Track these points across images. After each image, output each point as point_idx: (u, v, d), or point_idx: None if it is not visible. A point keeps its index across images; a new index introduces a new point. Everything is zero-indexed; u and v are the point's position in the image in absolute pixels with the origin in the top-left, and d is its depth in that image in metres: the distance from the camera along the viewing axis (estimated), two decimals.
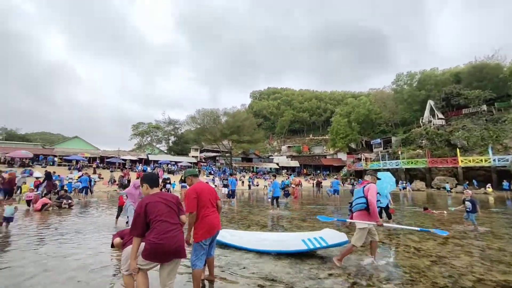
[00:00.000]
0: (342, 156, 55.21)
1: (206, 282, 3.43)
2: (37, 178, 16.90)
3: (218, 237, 5.10)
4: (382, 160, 38.22)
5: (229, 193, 14.51)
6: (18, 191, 14.03)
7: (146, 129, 52.20)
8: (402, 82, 53.33)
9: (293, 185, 22.51)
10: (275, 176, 12.62)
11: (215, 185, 22.73)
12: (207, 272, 3.46)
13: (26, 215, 9.16)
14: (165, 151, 50.94)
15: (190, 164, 39.46)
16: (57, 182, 16.12)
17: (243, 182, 30.49)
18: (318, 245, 4.59)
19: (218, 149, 47.51)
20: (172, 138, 55.40)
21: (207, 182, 4.46)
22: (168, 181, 17.85)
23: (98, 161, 32.94)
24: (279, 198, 11.59)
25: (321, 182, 25.02)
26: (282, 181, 25.55)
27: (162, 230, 2.42)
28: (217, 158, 49.78)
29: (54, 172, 17.67)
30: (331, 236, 4.78)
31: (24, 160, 26.84)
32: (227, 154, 46.68)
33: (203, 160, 47.16)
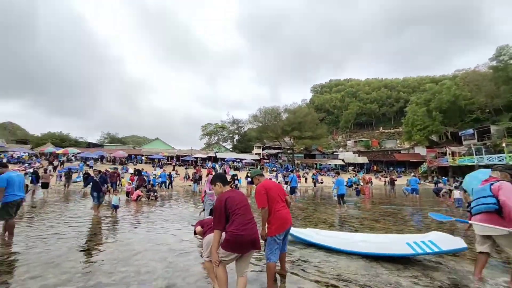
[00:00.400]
0: (421, 150, 48.18)
1: (278, 276, 3.51)
2: (131, 174, 20.40)
3: (304, 236, 5.08)
4: (476, 155, 31.78)
5: (290, 190, 14.45)
6: (120, 184, 17.19)
7: (213, 129, 56.58)
8: (506, 57, 41.55)
9: (361, 183, 20.90)
10: (338, 173, 11.95)
11: (278, 182, 23.00)
12: (277, 266, 3.54)
13: (126, 204, 11.13)
14: (230, 149, 54.23)
15: (253, 161, 40.97)
16: (145, 178, 19.13)
17: (306, 179, 29.93)
18: (428, 250, 3.99)
19: (280, 146, 47.82)
20: (236, 137, 58.45)
21: (270, 179, 4.56)
22: (236, 177, 18.98)
23: (175, 159, 37.46)
24: (344, 195, 10.97)
25: (395, 180, 22.44)
26: (349, 178, 24.01)
27: (241, 222, 2.60)
28: (279, 155, 50.23)
29: (143, 169, 21.01)
30: (443, 240, 4.13)
31: (121, 158, 32.71)
32: (289, 151, 46.59)
33: (266, 157, 48.26)
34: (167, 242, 5.27)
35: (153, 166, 31.38)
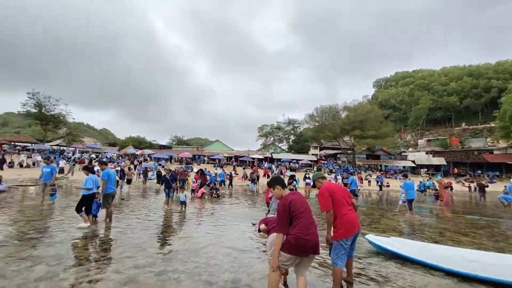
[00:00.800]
0: None
1: (344, 283, 3.32)
2: (196, 173, 22.29)
3: (387, 246, 4.62)
4: None
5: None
6: (186, 182, 18.99)
7: (269, 130, 57.43)
8: None
9: (438, 188, 18.13)
10: (406, 175, 10.63)
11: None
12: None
13: (192, 200, 12.20)
14: (286, 150, 54.09)
15: (310, 162, 39.96)
16: (207, 177, 20.65)
17: (370, 182, 27.62)
18: None
19: (339, 146, 45.38)
20: (292, 137, 57.98)
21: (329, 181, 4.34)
22: (294, 178, 18.82)
23: (233, 159, 39.38)
24: (413, 201, 9.72)
25: (486, 186, 18.73)
26: (421, 182, 21.13)
27: (305, 226, 2.54)
28: (338, 156, 47.73)
29: (205, 168, 22.73)
30: None
31: (187, 159, 36.09)
32: (349, 151, 43.82)
33: (323, 158, 46.47)
34: (230, 238, 5.57)
35: (214, 166, 33.66)
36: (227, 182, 21.05)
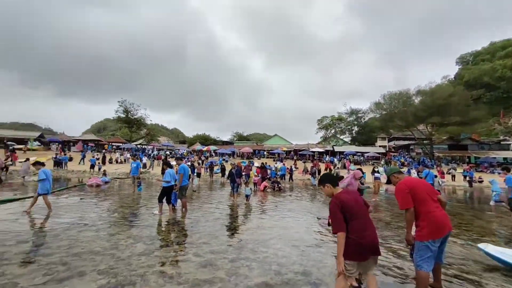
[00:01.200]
0: None
1: None
2: (257, 167, 23.04)
3: (505, 258, 3.80)
4: None
5: None
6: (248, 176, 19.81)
7: (329, 122, 54.81)
8: None
9: None
10: (508, 169, 8.59)
11: None
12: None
13: (254, 194, 12.66)
14: (349, 142, 50.77)
15: (377, 155, 36.55)
16: (268, 170, 21.10)
17: (454, 176, 23.66)
18: None
19: (412, 136, 40.12)
20: (356, 128, 53.95)
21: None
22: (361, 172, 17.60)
23: (292, 153, 39.12)
24: None
25: None
26: None
27: (360, 228, 2.36)
28: (411, 147, 42.30)
29: (266, 163, 23.23)
30: None
31: (248, 153, 37.57)
32: (425, 142, 38.32)
33: (393, 150, 41.88)
34: (297, 231, 5.58)
35: (274, 160, 34.12)
36: (287, 176, 21.08)
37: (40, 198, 6.47)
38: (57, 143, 34.13)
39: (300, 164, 29.46)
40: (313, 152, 37.77)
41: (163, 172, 7.87)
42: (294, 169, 23.81)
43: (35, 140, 35.65)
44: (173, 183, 6.96)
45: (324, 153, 39.01)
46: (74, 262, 3.48)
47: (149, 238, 4.71)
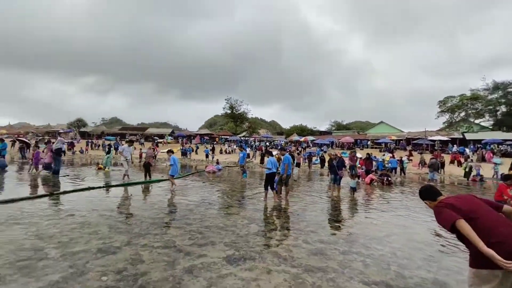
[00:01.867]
0: None
1: None
2: (360, 158, 21.14)
3: None
4: None
5: None
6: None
7: (457, 103, 43.51)
8: None
9: None
10: None
11: None
12: None
13: (358, 187, 11.67)
14: (489, 127, 38.79)
15: None
16: (374, 162, 18.94)
17: None
18: None
19: None
20: (503, 108, 40.35)
21: None
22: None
23: (404, 143, 33.56)
24: None
25: None
26: None
27: (488, 228, 1.78)
28: None
29: (371, 153, 20.92)
30: None
31: (349, 144, 35.06)
32: None
33: None
34: (416, 232, 4.81)
35: (381, 151, 30.40)
36: (399, 168, 18.39)
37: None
38: (182, 137, 42.79)
39: (416, 155, 25.03)
40: (433, 141, 31.19)
41: (261, 161, 8.51)
42: (407, 161, 20.49)
43: (169, 135, 46.00)
44: (274, 170, 7.37)
45: (449, 142, 31.46)
46: (207, 232, 4.26)
47: (260, 220, 5.20)
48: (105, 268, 2.87)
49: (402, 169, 18.30)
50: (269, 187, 7.31)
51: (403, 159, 19.45)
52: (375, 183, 12.09)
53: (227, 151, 31.08)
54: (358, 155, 25.53)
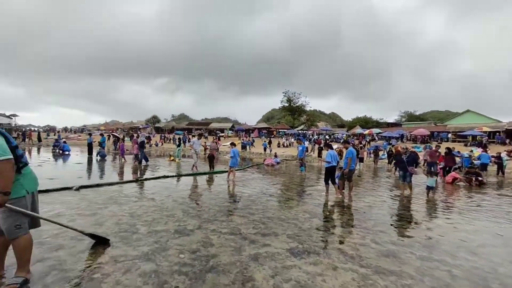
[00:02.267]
0: None
1: None
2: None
3: None
4: None
5: None
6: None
7: None
8: None
9: None
10: None
11: None
12: None
13: (439, 186, 10.12)
14: None
15: None
16: (455, 158, 16.04)
17: None
18: None
19: None
20: None
21: None
22: None
23: (502, 136, 27.49)
24: None
25: None
26: None
27: None
28: None
29: (454, 148, 17.82)
30: None
31: (423, 136, 30.66)
32: None
33: None
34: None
35: (466, 145, 25.71)
36: (493, 166, 15.26)
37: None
38: (241, 131, 44.63)
39: None
40: None
41: (319, 155, 8.13)
42: (507, 158, 16.83)
43: (229, 129, 48.61)
44: (334, 164, 6.99)
45: None
46: (269, 223, 4.36)
47: (322, 215, 5.04)
48: (182, 247, 3.23)
49: (501, 168, 15.04)
50: (329, 182, 7.01)
51: (501, 155, 15.96)
52: (459, 183, 10.31)
53: (285, 145, 31.03)
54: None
